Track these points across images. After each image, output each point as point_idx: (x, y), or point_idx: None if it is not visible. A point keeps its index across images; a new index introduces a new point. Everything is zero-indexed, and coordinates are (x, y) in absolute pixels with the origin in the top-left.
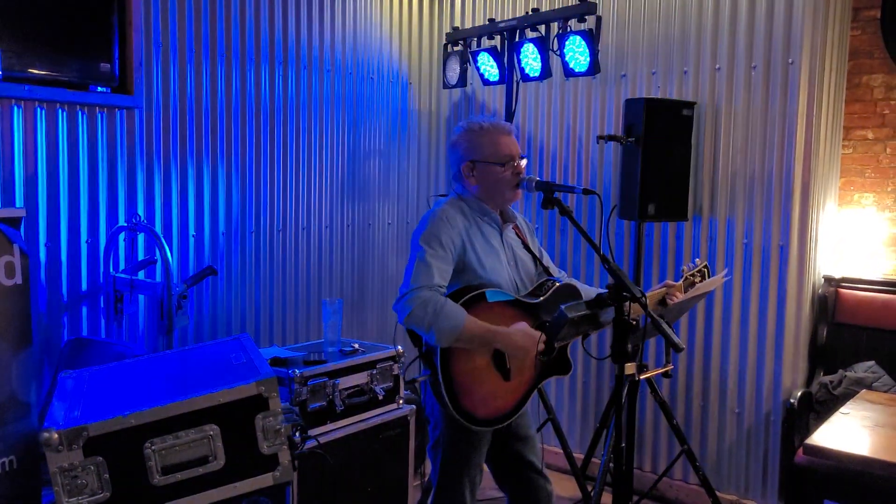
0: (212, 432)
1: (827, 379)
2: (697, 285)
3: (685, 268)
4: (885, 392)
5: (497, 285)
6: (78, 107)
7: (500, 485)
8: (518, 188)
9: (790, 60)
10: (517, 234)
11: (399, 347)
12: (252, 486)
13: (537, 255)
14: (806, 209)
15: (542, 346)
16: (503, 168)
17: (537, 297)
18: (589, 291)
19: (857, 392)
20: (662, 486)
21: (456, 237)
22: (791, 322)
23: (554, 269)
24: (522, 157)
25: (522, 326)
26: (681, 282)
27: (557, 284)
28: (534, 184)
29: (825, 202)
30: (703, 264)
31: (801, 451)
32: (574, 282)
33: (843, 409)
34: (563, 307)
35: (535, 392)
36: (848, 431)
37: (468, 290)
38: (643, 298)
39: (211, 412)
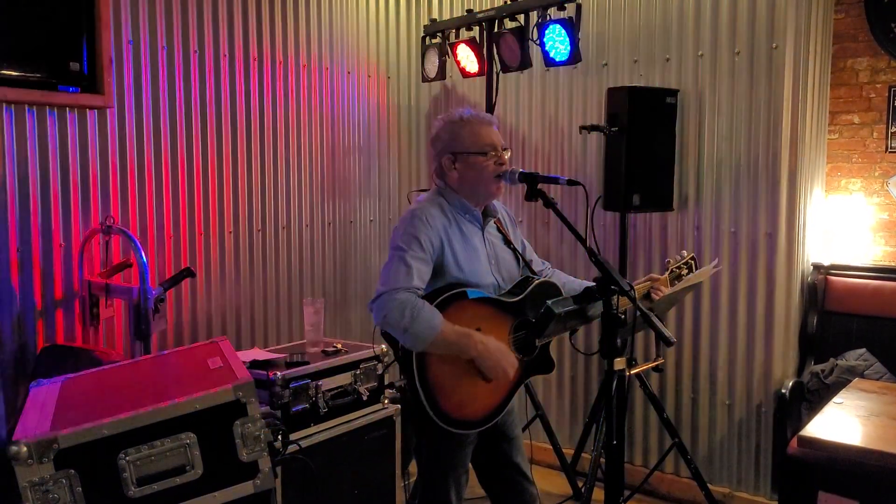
0: (188, 440)
1: (818, 368)
2: (685, 277)
3: (670, 260)
4: (878, 380)
5: (476, 286)
6: (47, 107)
7: (485, 487)
8: (501, 180)
9: (774, 45)
10: (499, 228)
11: (383, 346)
12: (232, 495)
13: (519, 249)
14: (793, 196)
15: (516, 371)
16: (485, 158)
17: (517, 296)
18: (574, 282)
19: (849, 381)
20: (654, 481)
21: (434, 237)
22: (780, 311)
23: (537, 263)
24: (506, 149)
25: (498, 345)
26: (666, 275)
27: (537, 281)
28: (517, 175)
29: (812, 189)
30: (690, 256)
31: (794, 442)
32: (559, 274)
33: (836, 399)
34: (549, 303)
35: (522, 389)
36: (842, 422)
37: (446, 290)
38: (632, 291)
39: (187, 419)
